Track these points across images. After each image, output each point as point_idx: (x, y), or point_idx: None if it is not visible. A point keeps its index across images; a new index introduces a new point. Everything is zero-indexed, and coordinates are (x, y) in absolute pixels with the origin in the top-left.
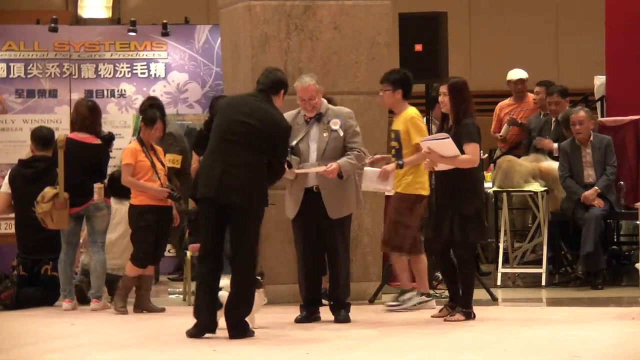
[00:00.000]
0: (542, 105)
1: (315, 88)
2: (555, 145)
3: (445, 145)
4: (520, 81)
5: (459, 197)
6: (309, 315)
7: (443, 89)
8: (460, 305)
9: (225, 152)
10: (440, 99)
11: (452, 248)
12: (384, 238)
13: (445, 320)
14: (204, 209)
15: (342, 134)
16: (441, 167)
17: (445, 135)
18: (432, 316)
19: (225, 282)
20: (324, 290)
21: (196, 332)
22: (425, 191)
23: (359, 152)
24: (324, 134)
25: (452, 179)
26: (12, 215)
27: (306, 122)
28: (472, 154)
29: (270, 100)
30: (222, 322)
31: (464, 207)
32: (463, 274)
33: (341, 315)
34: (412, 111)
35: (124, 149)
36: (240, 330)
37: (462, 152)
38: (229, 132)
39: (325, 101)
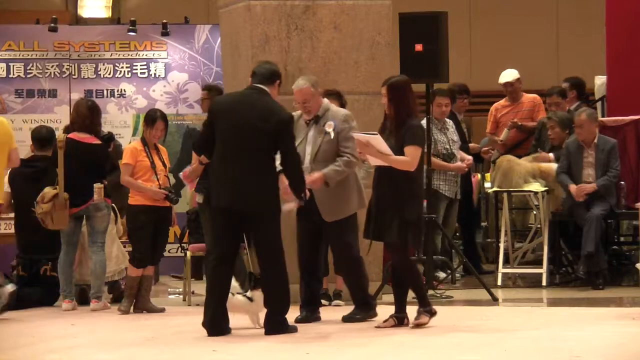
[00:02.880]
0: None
1: (310, 91)
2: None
3: (375, 141)
4: (509, 84)
5: (401, 201)
6: (309, 315)
7: (383, 90)
8: (420, 307)
9: (236, 159)
10: (383, 100)
11: (390, 253)
12: None
13: (411, 327)
14: (219, 217)
15: (333, 136)
16: (373, 160)
17: (375, 132)
18: (377, 327)
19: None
20: (324, 290)
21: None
22: None
23: (349, 158)
24: (319, 137)
25: (394, 182)
26: (12, 215)
27: (306, 124)
28: (412, 156)
29: (266, 93)
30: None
31: (406, 211)
32: (410, 279)
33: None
34: None
35: (125, 148)
36: (283, 327)
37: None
38: (236, 138)
39: (326, 102)
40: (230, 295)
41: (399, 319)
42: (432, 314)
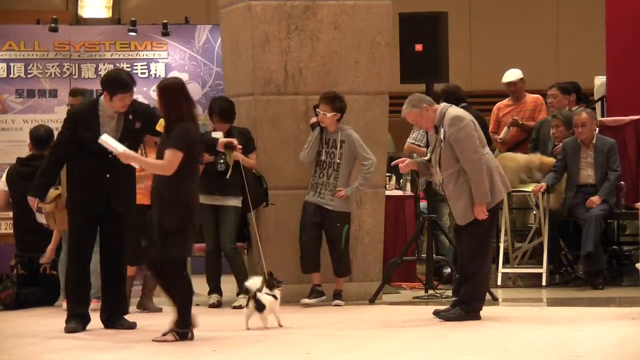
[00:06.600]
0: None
1: (412, 113)
2: None
3: (105, 143)
4: (512, 84)
5: (160, 209)
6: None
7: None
8: (176, 326)
9: None
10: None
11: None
12: None
13: (153, 340)
14: None
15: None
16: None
17: (103, 134)
18: (154, 340)
19: (254, 282)
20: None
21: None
22: None
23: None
24: (437, 147)
25: (158, 187)
26: (11, 214)
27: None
28: (167, 160)
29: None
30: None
31: (164, 220)
32: (178, 295)
33: None
34: None
35: None
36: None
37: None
38: None
39: (440, 109)
40: (259, 295)
41: (182, 334)
42: (185, 336)
